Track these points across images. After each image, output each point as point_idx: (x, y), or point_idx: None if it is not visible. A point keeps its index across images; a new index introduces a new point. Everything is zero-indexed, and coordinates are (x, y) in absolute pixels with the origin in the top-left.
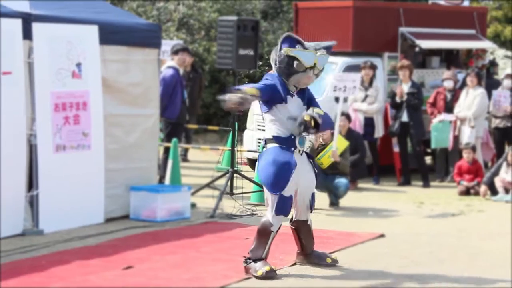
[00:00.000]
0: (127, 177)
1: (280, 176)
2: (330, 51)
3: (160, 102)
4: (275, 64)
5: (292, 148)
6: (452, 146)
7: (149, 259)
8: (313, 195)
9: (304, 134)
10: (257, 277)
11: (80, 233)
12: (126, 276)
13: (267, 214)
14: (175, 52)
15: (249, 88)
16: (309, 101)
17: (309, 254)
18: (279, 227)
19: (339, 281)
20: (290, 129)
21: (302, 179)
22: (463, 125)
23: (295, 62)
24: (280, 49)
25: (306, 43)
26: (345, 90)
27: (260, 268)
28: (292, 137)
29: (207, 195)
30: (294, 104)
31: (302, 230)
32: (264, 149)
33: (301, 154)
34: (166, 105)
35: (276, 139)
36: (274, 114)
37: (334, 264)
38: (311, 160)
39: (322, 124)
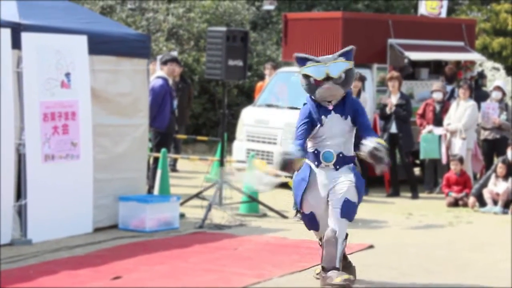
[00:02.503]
0: (115, 187)
1: (296, 194)
2: (349, 56)
3: (149, 112)
4: (301, 85)
5: (316, 163)
6: (445, 159)
7: (137, 269)
8: (347, 201)
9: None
10: (334, 285)
11: (69, 243)
12: (115, 286)
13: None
14: (164, 62)
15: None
16: (354, 113)
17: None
18: (346, 235)
19: None
20: (315, 145)
21: (334, 186)
22: (453, 137)
23: (311, 79)
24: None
25: (322, 57)
26: None
27: (338, 276)
28: (316, 151)
29: (196, 206)
30: (332, 122)
31: (326, 239)
32: None
33: (336, 170)
34: (155, 115)
35: (306, 154)
36: (313, 136)
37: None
38: (354, 173)
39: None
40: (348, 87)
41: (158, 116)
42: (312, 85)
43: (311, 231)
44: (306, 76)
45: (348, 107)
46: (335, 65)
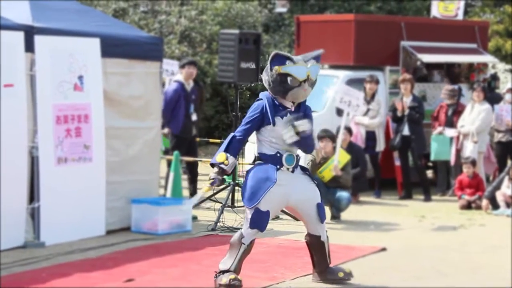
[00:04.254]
0: (127, 189)
1: (255, 189)
2: (319, 60)
3: (162, 116)
4: (269, 85)
5: (278, 166)
6: (454, 161)
7: (150, 272)
8: (319, 206)
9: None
10: (221, 285)
11: (81, 246)
12: None
13: (243, 227)
14: (182, 65)
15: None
16: (306, 117)
17: (323, 272)
18: (252, 241)
19: None
20: (277, 147)
21: (296, 194)
22: (465, 140)
23: (289, 78)
24: (271, 69)
25: (294, 57)
26: (350, 105)
27: (225, 277)
28: (278, 154)
29: (209, 208)
30: (285, 123)
31: (314, 246)
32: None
33: (293, 172)
34: (169, 119)
35: (262, 156)
36: (261, 134)
37: (346, 278)
38: (307, 173)
39: (301, 141)
40: (312, 89)
41: (172, 120)
42: (287, 84)
43: (248, 230)
44: (285, 75)
45: (302, 110)
46: (314, 68)
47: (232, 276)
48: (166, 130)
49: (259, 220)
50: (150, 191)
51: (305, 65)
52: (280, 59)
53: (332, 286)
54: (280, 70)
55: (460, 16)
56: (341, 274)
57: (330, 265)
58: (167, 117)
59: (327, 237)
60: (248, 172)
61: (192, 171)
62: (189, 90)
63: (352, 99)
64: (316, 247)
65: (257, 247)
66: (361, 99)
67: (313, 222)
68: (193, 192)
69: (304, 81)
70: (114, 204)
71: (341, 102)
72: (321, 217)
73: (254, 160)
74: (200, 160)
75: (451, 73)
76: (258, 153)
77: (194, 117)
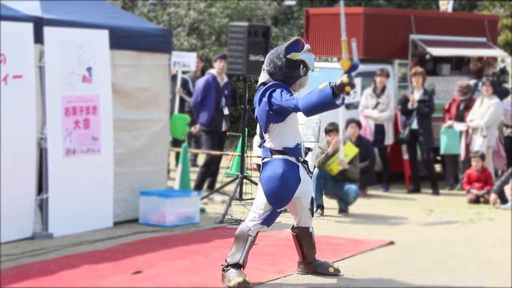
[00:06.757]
0: (135, 181)
1: (285, 193)
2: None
3: (193, 107)
4: (280, 70)
5: (300, 158)
6: (464, 155)
7: (158, 264)
8: (312, 199)
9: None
10: (230, 287)
11: (90, 237)
12: (135, 281)
13: (247, 218)
14: (215, 60)
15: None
16: None
17: (310, 263)
18: (257, 233)
19: None
20: (295, 139)
21: (303, 186)
22: (474, 134)
23: (301, 66)
24: (286, 55)
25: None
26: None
27: (233, 278)
28: (299, 146)
29: (217, 201)
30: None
31: (303, 238)
32: (269, 159)
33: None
34: (198, 111)
35: (286, 150)
36: (286, 124)
37: (336, 274)
38: (305, 165)
39: None
40: None
41: (201, 112)
42: (298, 72)
43: (257, 224)
44: (298, 63)
45: None
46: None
47: (241, 279)
48: (195, 129)
49: (272, 219)
50: (157, 183)
51: (312, 54)
52: (297, 46)
53: (336, 280)
54: (298, 57)
55: (450, 10)
56: (331, 270)
57: (316, 258)
58: (197, 108)
59: (313, 228)
60: (268, 165)
61: (216, 164)
62: (221, 85)
63: None
64: (305, 239)
65: (264, 240)
66: (357, 85)
67: (307, 214)
68: (210, 184)
69: (310, 70)
70: (120, 196)
71: None
72: (313, 210)
73: (271, 154)
74: (226, 154)
75: (471, 68)
76: (282, 147)
77: (226, 111)
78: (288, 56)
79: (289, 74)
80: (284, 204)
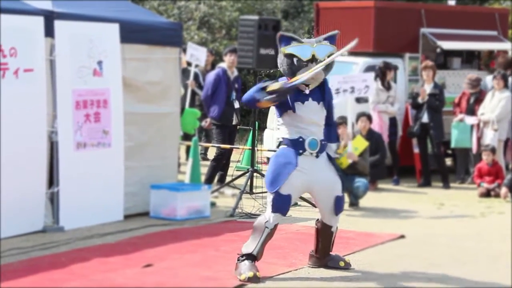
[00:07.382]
0: (145, 175)
1: (277, 174)
2: (333, 41)
3: (203, 101)
4: (281, 66)
5: (300, 151)
6: (476, 149)
7: (168, 258)
8: (337, 199)
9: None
10: (240, 280)
11: (100, 231)
12: (146, 274)
13: (266, 210)
14: (225, 53)
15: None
16: (328, 103)
17: (323, 258)
18: (276, 225)
19: (357, 282)
20: (300, 132)
21: (318, 181)
22: (485, 128)
23: (295, 59)
24: (280, 51)
25: (306, 39)
26: (353, 91)
27: (244, 271)
28: (301, 139)
29: (227, 194)
30: (310, 108)
31: (323, 234)
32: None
33: (317, 157)
34: (209, 105)
35: (284, 141)
36: (284, 119)
37: (347, 267)
38: (333, 163)
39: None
40: (329, 72)
41: (212, 106)
42: (294, 65)
43: (272, 214)
44: (290, 56)
45: (327, 95)
46: (321, 47)
47: (251, 274)
48: (206, 123)
49: (281, 204)
50: (168, 176)
51: (311, 44)
52: (285, 40)
53: (347, 274)
54: (286, 51)
55: (453, 3)
56: (342, 264)
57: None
58: (207, 102)
59: (337, 228)
60: (271, 157)
61: (226, 158)
62: (232, 78)
63: (356, 83)
64: (325, 236)
65: (275, 233)
66: (370, 80)
67: (328, 213)
68: (221, 178)
69: (311, 61)
70: (129, 189)
71: (338, 92)
72: (337, 210)
73: (278, 145)
74: (237, 148)
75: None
76: (282, 137)
77: (236, 104)
78: (280, 53)
79: (287, 69)
80: (275, 185)
